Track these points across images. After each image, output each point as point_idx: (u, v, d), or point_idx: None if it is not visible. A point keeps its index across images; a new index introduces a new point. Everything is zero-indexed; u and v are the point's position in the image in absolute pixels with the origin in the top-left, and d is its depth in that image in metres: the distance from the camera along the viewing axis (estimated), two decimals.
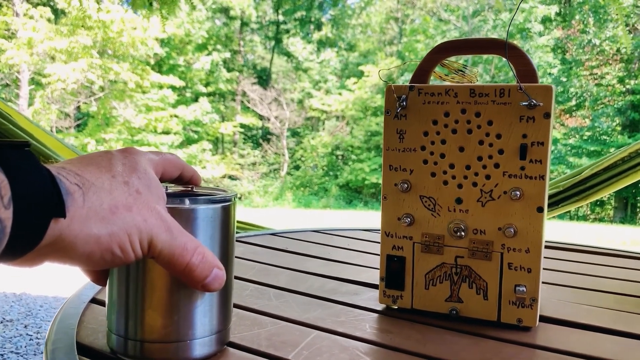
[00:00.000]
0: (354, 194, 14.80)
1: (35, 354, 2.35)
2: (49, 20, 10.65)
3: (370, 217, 9.98)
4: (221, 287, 0.43)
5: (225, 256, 0.46)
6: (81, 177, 0.35)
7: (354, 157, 14.81)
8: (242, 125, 15.36)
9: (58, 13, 10.87)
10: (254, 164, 15.34)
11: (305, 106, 15.67)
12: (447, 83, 0.59)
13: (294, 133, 16.12)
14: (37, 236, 0.32)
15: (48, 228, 0.32)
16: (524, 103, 0.53)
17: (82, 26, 10.33)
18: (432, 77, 0.61)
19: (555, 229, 8.07)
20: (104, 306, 0.45)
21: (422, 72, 0.60)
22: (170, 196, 0.43)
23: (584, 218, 12.99)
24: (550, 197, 1.97)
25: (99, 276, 0.45)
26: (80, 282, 0.64)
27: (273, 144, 15.84)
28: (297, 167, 15.58)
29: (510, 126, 0.54)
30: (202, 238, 0.44)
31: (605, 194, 1.97)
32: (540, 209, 0.54)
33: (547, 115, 0.53)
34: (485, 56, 12.95)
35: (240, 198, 13.70)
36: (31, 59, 10.53)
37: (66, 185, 0.33)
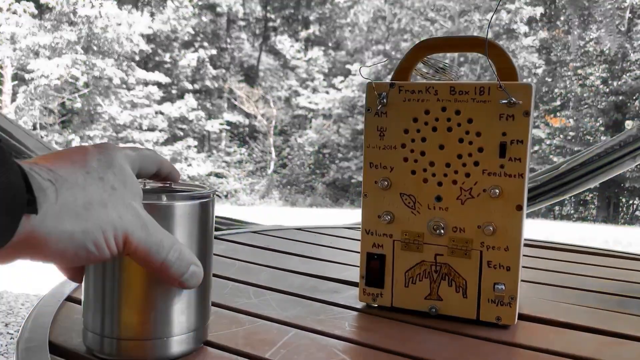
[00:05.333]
0: (340, 192, 14.82)
1: None
2: (32, 15, 10.52)
3: (357, 215, 9.96)
4: (199, 285, 0.43)
5: (204, 253, 0.45)
6: (54, 172, 0.34)
7: (341, 155, 14.82)
8: (229, 123, 15.31)
9: (42, 8, 10.74)
10: (240, 162, 15.30)
11: (292, 104, 15.66)
12: (428, 80, 0.59)
13: (281, 131, 16.10)
14: (8, 233, 0.31)
15: (19, 225, 0.31)
16: (503, 101, 0.54)
17: (67, 22, 10.22)
18: (414, 75, 0.61)
19: (539, 227, 8.14)
20: (79, 304, 0.45)
21: (403, 69, 0.60)
22: (147, 192, 0.42)
23: (568, 217, 13.13)
24: (527, 191, 1.97)
25: (75, 273, 0.44)
26: (59, 280, 0.63)
27: (260, 142, 15.81)
28: (283, 165, 15.57)
29: (490, 124, 0.55)
30: (180, 235, 0.43)
31: (582, 189, 1.97)
32: (519, 207, 0.55)
33: (527, 114, 0.53)
34: (471, 56, 13.04)
35: (226, 196, 13.65)
36: (14, 54, 10.40)
37: (38, 181, 0.33)
